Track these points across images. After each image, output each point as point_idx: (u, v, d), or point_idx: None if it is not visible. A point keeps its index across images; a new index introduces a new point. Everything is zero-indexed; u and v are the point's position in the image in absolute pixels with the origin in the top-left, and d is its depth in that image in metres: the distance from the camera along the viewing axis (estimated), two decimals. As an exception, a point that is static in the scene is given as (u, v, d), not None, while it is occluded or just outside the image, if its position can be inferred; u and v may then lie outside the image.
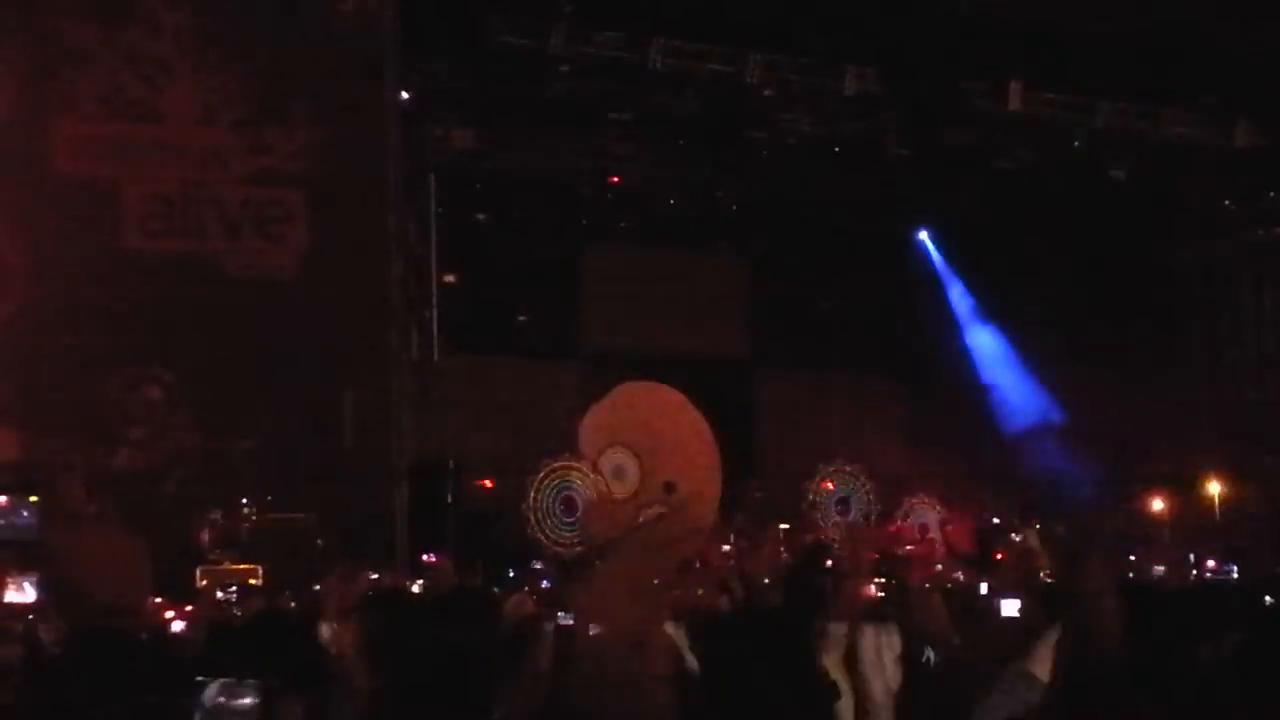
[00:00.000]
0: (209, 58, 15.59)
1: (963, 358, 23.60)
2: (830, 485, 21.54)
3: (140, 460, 15.22)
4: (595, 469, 21.06)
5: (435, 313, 17.90)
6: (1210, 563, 15.67)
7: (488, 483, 19.45)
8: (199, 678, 5.48)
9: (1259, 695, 5.25)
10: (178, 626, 8.54)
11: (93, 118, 15.25)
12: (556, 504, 20.37)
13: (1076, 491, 21.21)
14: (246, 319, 15.52)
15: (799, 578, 12.90)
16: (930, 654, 8.05)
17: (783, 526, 19.46)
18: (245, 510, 14.94)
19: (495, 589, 12.32)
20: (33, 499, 13.37)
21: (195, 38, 15.50)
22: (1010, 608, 9.33)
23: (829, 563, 16.08)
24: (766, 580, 13.91)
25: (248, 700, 5.57)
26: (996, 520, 19.83)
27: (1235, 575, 13.67)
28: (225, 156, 15.80)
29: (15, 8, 14.64)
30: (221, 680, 5.18)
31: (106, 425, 15.09)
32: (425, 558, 15.24)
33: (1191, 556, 18.08)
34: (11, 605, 12.11)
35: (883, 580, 13.13)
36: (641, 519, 17.99)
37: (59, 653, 7.46)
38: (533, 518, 20.03)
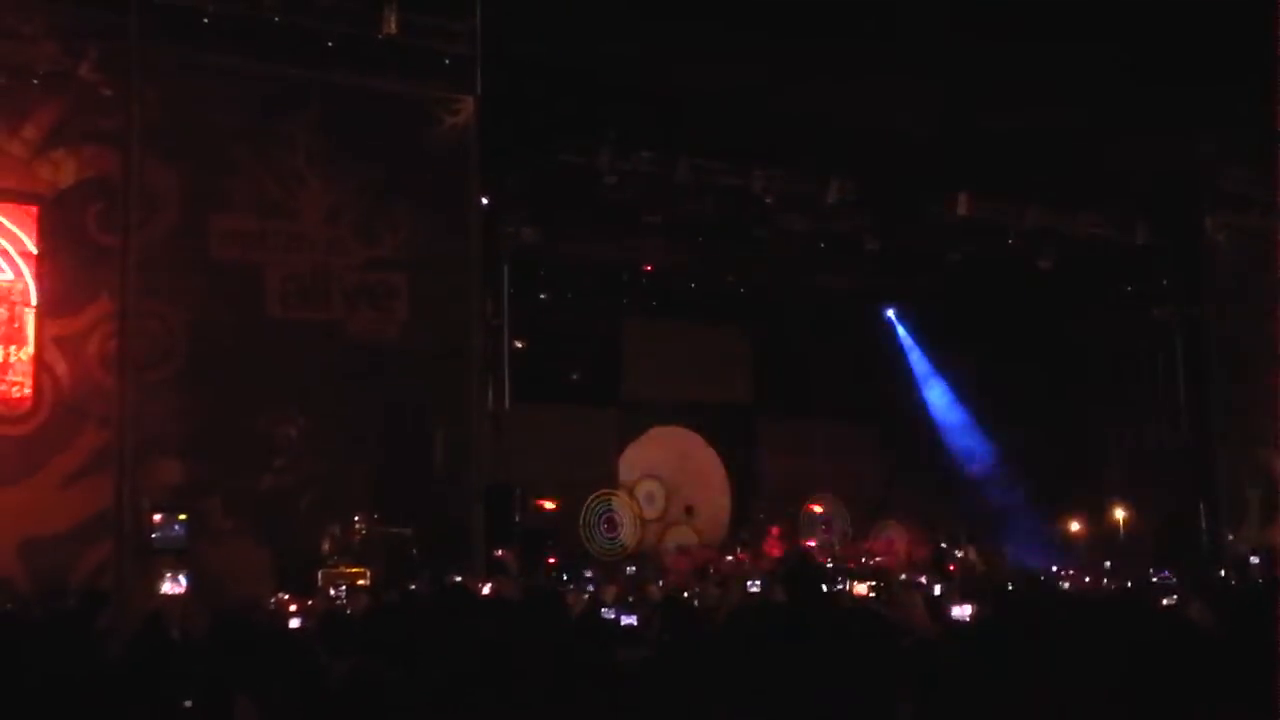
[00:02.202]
0: (333, 169, 15.53)
1: (921, 408, 23.39)
2: (816, 508, 21.38)
3: (279, 484, 15.08)
4: (631, 495, 20.92)
5: (507, 370, 17.72)
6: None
7: (547, 504, 19.27)
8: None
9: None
10: (295, 622, 8.34)
11: (242, 215, 15.20)
12: (601, 522, 20.24)
13: (1010, 517, 20.94)
14: (361, 373, 15.39)
15: (794, 577, 12.76)
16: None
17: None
18: (357, 524, 14.84)
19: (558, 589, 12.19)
20: (182, 517, 13.28)
21: (323, 154, 15.46)
22: (962, 612, 9.16)
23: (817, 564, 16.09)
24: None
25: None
26: (944, 544, 19.63)
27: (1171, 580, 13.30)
28: (345, 246, 15.71)
29: (182, 133, 14.61)
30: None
31: (253, 456, 14.96)
32: (496, 553, 15.11)
33: (1107, 563, 17.86)
34: (168, 595, 12.02)
35: (872, 582, 13.05)
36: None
37: (205, 636, 7.34)
38: (582, 533, 19.90)
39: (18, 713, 5.41)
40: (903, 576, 16.55)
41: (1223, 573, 16.98)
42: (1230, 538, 20.22)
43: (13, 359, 13.93)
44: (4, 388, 13.89)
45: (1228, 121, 19.98)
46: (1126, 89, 18.27)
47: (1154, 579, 14.11)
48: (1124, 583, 15.14)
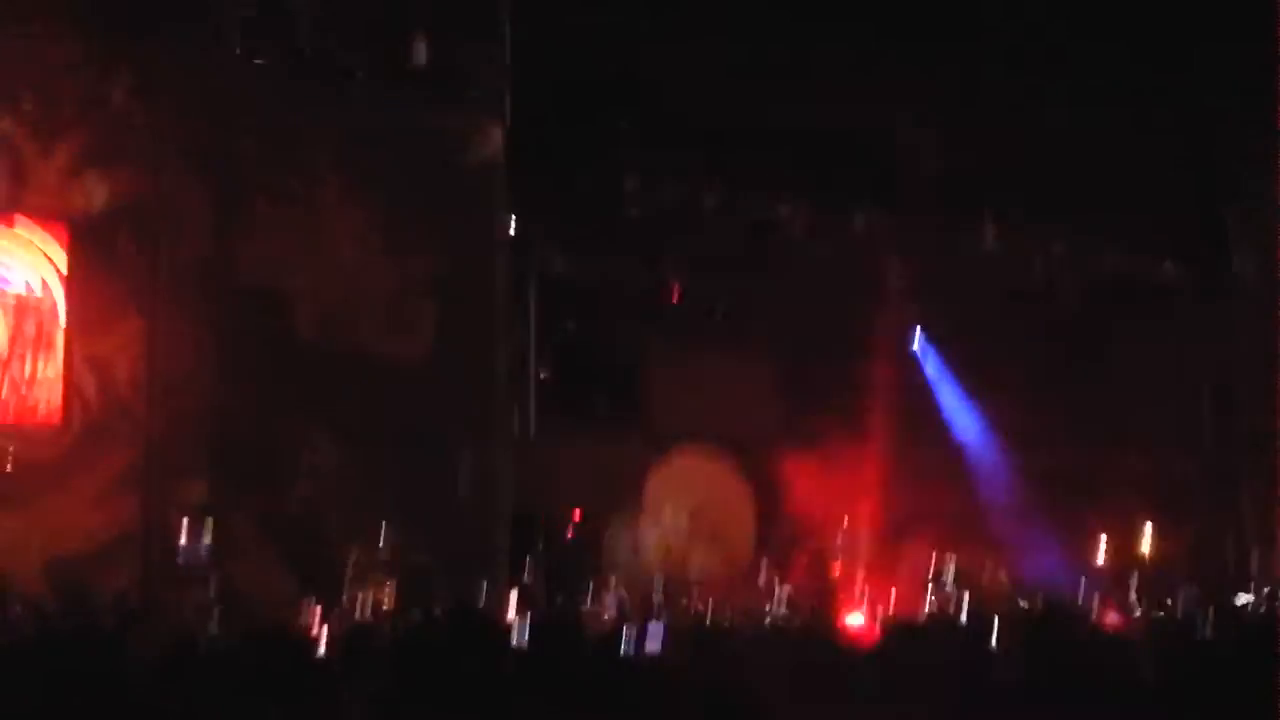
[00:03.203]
0: (362, 197, 15.62)
1: (948, 437, 23.26)
2: (841, 535, 21.28)
3: (305, 506, 15.14)
4: (656, 521, 20.86)
5: (532, 397, 17.75)
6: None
7: (571, 531, 19.26)
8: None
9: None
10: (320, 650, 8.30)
11: (272, 240, 15.30)
12: (625, 548, 20.18)
13: (1036, 541, 20.79)
14: (389, 398, 15.44)
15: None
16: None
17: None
18: (382, 546, 14.83)
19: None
20: (207, 538, 13.36)
21: (350, 181, 15.55)
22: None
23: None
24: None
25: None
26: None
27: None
28: (374, 272, 15.79)
29: (213, 159, 14.73)
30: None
31: (280, 478, 15.02)
32: (524, 579, 15.13)
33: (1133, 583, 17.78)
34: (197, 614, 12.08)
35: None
36: None
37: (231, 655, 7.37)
38: (606, 558, 19.84)
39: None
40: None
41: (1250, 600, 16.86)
42: (1255, 566, 20.03)
43: (40, 375, 13.99)
44: (31, 403, 13.97)
45: (1256, 152, 19.99)
46: (1154, 121, 18.29)
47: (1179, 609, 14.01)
48: (1152, 610, 15.05)
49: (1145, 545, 20.99)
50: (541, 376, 18.21)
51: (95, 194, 14.22)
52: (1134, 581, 18.37)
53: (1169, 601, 14.99)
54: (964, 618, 13.31)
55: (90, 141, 14.22)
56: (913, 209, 19.32)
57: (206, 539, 13.34)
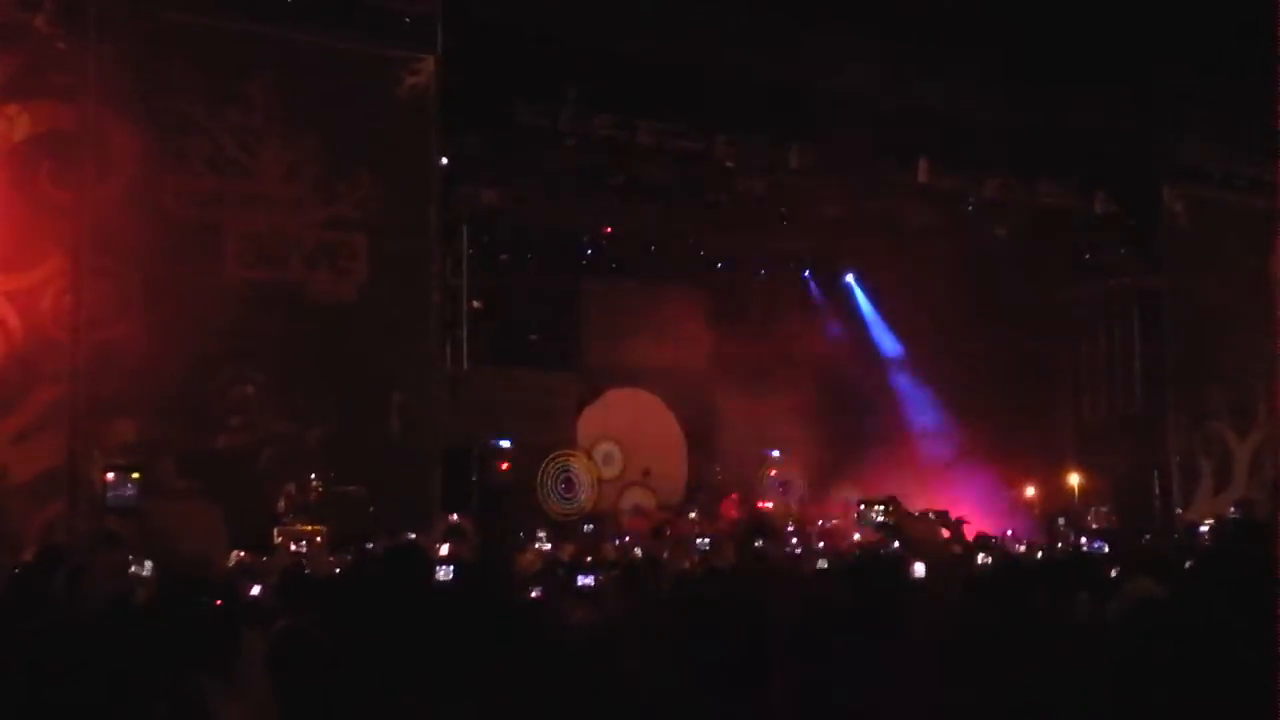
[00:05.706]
0: (292, 127, 15.44)
1: (878, 373, 23.55)
2: (773, 471, 21.56)
3: (236, 442, 15.07)
4: (589, 456, 21.01)
5: (465, 332, 17.75)
6: (1082, 540, 15.54)
7: (504, 466, 19.36)
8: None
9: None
10: (255, 590, 8.31)
11: (199, 173, 15.10)
12: (559, 483, 20.32)
13: (963, 480, 21.14)
14: (319, 333, 15.42)
15: (747, 540, 12.97)
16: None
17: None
18: (314, 483, 14.84)
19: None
20: (135, 475, 13.26)
21: (281, 112, 15.36)
22: (919, 569, 9.38)
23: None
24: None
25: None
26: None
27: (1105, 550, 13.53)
28: (304, 205, 15.65)
29: (139, 90, 14.49)
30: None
31: (210, 415, 14.91)
32: (451, 517, 15.19)
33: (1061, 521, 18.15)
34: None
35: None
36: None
37: (154, 594, 7.44)
38: (540, 494, 19.99)
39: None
40: (855, 536, 16.81)
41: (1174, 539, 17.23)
42: (1178, 511, 20.52)
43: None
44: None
45: (1186, 93, 20.28)
46: (1086, 59, 18.44)
47: (1085, 549, 14.29)
48: (1065, 548, 15.39)
49: (1072, 482, 21.43)
50: (475, 305, 18.22)
51: (17, 125, 14.01)
52: (1061, 520, 18.78)
53: (1095, 539, 15.30)
54: (893, 549, 13.52)
55: (11, 72, 13.99)
56: (846, 144, 19.40)
57: (135, 477, 13.27)
